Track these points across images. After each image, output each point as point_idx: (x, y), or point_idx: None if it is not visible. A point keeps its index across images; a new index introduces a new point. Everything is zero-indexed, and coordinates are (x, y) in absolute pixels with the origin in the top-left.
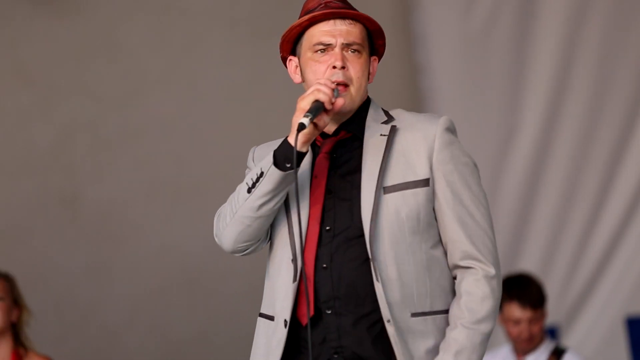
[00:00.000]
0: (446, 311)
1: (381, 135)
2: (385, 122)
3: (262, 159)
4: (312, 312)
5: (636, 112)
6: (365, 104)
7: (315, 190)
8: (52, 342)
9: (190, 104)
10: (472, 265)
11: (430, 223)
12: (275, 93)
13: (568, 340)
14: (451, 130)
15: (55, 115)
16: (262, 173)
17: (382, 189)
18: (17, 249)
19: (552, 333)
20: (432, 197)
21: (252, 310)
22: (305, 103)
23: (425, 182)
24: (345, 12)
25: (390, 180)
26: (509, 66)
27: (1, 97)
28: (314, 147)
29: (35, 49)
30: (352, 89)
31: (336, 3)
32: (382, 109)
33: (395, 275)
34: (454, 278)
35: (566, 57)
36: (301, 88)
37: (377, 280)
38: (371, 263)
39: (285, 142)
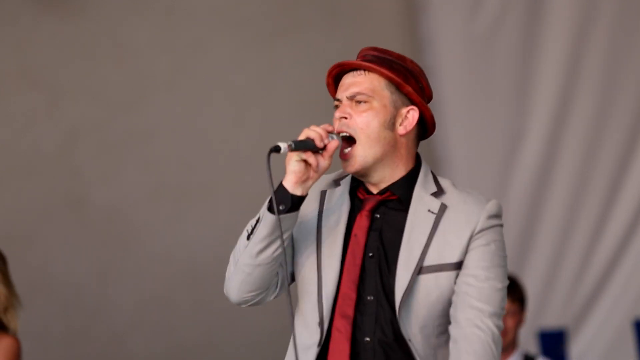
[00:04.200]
0: None
1: (429, 211)
2: (435, 195)
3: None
4: None
5: None
6: (416, 169)
7: (354, 251)
8: (58, 345)
9: (196, 106)
10: (477, 324)
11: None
12: (282, 95)
13: (576, 343)
14: (495, 216)
15: (61, 118)
16: (258, 218)
17: (420, 269)
18: (23, 252)
19: (560, 336)
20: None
21: (258, 315)
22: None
23: (458, 266)
24: (354, 64)
25: (429, 260)
26: (515, 70)
27: (7, 99)
28: (355, 200)
29: (41, 52)
30: (359, 146)
31: (370, 56)
32: (432, 175)
33: (431, 355)
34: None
35: (573, 60)
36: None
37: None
38: (408, 343)
39: (280, 185)
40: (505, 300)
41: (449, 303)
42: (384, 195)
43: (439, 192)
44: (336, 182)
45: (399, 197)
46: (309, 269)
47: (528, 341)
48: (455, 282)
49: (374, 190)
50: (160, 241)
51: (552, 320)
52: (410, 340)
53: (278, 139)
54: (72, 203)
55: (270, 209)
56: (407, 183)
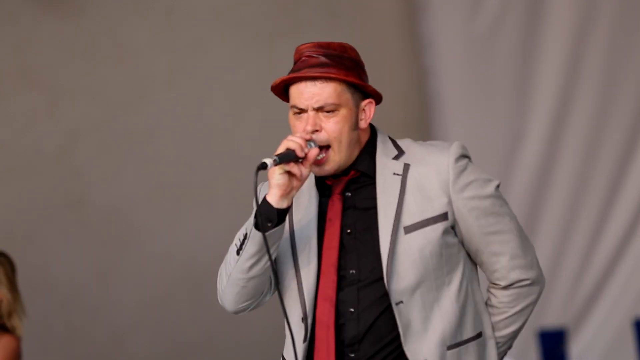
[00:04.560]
0: (475, 337)
1: (394, 174)
2: (396, 158)
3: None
4: None
5: None
6: (373, 139)
7: (330, 234)
8: (58, 344)
9: (196, 106)
10: (518, 281)
11: (451, 253)
12: None
13: (576, 343)
14: (462, 156)
15: (61, 118)
16: (246, 234)
17: (402, 229)
18: (23, 251)
19: (560, 336)
20: (451, 229)
21: (258, 316)
22: (276, 152)
23: (444, 216)
24: (312, 76)
25: (409, 219)
26: (515, 70)
27: (7, 99)
28: (325, 189)
29: (41, 52)
30: (332, 152)
31: (316, 58)
32: (391, 140)
33: (419, 315)
34: (493, 287)
35: (573, 60)
36: None
37: (399, 325)
38: (394, 308)
39: (265, 201)
40: (518, 224)
41: (440, 256)
42: (349, 175)
43: (399, 154)
44: None
45: (363, 171)
46: (288, 266)
47: (528, 341)
48: (442, 233)
49: (339, 173)
50: (160, 241)
51: (552, 320)
52: (401, 302)
53: (278, 139)
54: (72, 203)
55: (257, 226)
56: (368, 155)
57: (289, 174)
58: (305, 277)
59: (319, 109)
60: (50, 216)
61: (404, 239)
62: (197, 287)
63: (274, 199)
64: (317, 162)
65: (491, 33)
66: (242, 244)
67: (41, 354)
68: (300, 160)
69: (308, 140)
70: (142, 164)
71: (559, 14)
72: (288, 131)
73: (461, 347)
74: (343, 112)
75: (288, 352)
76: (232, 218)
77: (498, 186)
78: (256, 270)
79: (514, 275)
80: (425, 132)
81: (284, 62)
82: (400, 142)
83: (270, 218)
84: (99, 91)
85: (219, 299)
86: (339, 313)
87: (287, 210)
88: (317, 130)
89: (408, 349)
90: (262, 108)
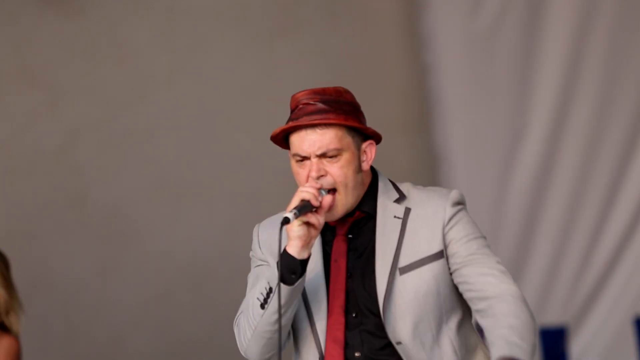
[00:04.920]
0: None
1: (395, 217)
2: (397, 201)
3: (267, 245)
4: None
5: None
6: (375, 180)
7: (337, 276)
8: (58, 343)
9: (197, 104)
10: (497, 295)
11: (450, 293)
12: (283, 92)
13: (577, 341)
14: (460, 203)
15: (61, 116)
16: (270, 288)
17: (397, 271)
18: (23, 249)
19: (561, 334)
20: (446, 268)
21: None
22: (290, 206)
23: (440, 255)
24: (311, 123)
25: (404, 261)
26: (516, 67)
27: (7, 98)
28: (328, 230)
29: (42, 51)
30: (339, 195)
31: (313, 105)
32: (391, 183)
33: (424, 356)
34: (476, 313)
35: (573, 59)
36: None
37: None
38: (396, 347)
39: (285, 253)
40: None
41: (437, 295)
42: (354, 216)
43: (400, 198)
44: None
45: (368, 212)
46: (300, 308)
47: None
48: (438, 272)
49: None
50: (161, 239)
51: (552, 318)
52: (400, 342)
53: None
54: (72, 201)
55: (283, 280)
56: (371, 196)
57: (307, 224)
58: (318, 319)
59: (322, 155)
60: (50, 214)
61: (399, 280)
62: (198, 285)
63: (296, 251)
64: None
65: (491, 32)
66: (267, 297)
67: (41, 352)
68: (315, 209)
69: (319, 189)
70: (143, 162)
71: (559, 13)
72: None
73: None
74: (346, 156)
75: None
76: (233, 216)
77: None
78: (283, 321)
79: (505, 287)
80: (424, 131)
81: (284, 61)
82: (400, 186)
83: (294, 270)
84: (99, 90)
85: (241, 352)
86: (346, 357)
87: (307, 260)
88: (322, 176)
89: None
90: (264, 105)
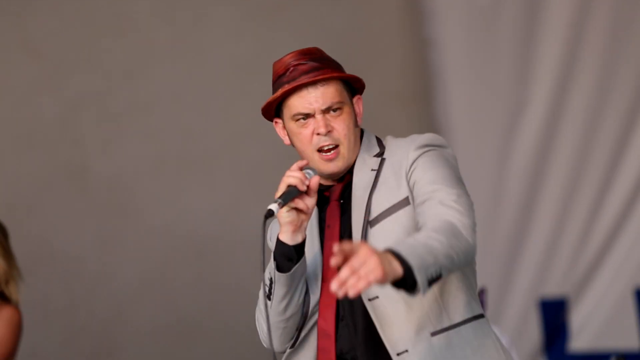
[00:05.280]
0: (467, 320)
1: (372, 170)
2: (377, 155)
3: (274, 235)
4: None
5: None
6: (361, 139)
7: (329, 241)
8: (60, 314)
9: (197, 77)
10: (439, 214)
11: None
12: None
13: (577, 312)
14: (427, 145)
15: (63, 89)
16: (271, 279)
17: (369, 223)
18: (25, 221)
19: (561, 305)
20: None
21: (259, 284)
22: (278, 192)
23: (405, 202)
24: (314, 79)
25: (374, 212)
26: (516, 41)
27: (9, 70)
28: (323, 199)
29: (43, 23)
30: (343, 148)
31: (304, 65)
32: (376, 138)
33: (403, 306)
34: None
35: (576, 31)
36: None
37: (375, 321)
38: (366, 305)
39: (279, 242)
40: (467, 198)
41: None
42: (344, 181)
43: (380, 151)
44: None
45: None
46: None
47: (529, 311)
48: (407, 219)
49: (331, 182)
50: (162, 212)
51: (553, 289)
52: (377, 297)
53: None
54: (73, 173)
55: (280, 268)
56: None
57: (296, 209)
58: (312, 285)
59: (326, 111)
60: (51, 187)
61: (370, 233)
62: (199, 257)
63: (288, 237)
64: (328, 158)
65: (492, 6)
66: (270, 288)
67: (42, 325)
68: (304, 192)
69: (304, 169)
70: (144, 134)
71: None
72: None
73: (450, 332)
74: (346, 109)
75: None
76: (233, 189)
77: (442, 151)
78: (292, 309)
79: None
80: (425, 104)
81: (285, 33)
82: (384, 140)
83: (289, 256)
84: (100, 62)
85: (263, 344)
86: (336, 324)
87: (304, 243)
88: (330, 131)
89: (387, 342)
90: (264, 79)
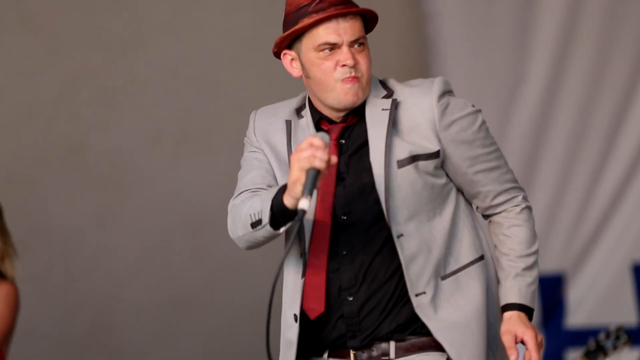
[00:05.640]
0: (475, 261)
1: (383, 109)
2: (386, 97)
3: (264, 133)
4: (322, 309)
5: None
6: None
7: (326, 179)
8: (57, 290)
9: (195, 51)
10: (506, 201)
11: (442, 185)
12: None
13: (574, 288)
14: (445, 93)
15: (60, 64)
16: (260, 220)
17: (395, 163)
18: (22, 197)
19: (558, 281)
20: (441, 167)
21: (258, 259)
22: (298, 168)
23: (436, 154)
24: (348, 10)
25: (400, 154)
26: (515, 14)
27: (6, 45)
28: (320, 129)
29: None
30: (363, 82)
31: None
32: (379, 81)
33: (418, 247)
34: (488, 218)
35: (574, 5)
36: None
37: (401, 258)
38: (395, 242)
39: (281, 202)
40: (501, 154)
41: (432, 188)
42: (346, 122)
43: (388, 93)
44: (298, 113)
45: (359, 117)
46: None
47: None
48: (433, 168)
49: (337, 119)
50: (159, 187)
51: (550, 264)
52: (401, 235)
53: (278, 85)
54: (71, 148)
55: (275, 224)
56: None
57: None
58: (304, 221)
59: (352, 44)
60: (48, 162)
61: (397, 173)
62: (197, 233)
63: (293, 204)
64: (353, 81)
65: None
66: (257, 224)
67: (40, 300)
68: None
69: (320, 134)
70: (142, 110)
71: None
72: (287, 77)
73: (459, 274)
74: (367, 46)
75: (292, 292)
76: (231, 165)
77: (481, 116)
78: (269, 241)
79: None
80: (423, 78)
81: (282, 7)
82: (387, 82)
83: (287, 215)
84: (98, 37)
85: (230, 236)
86: (333, 257)
87: (304, 212)
88: (355, 64)
89: (409, 281)
90: (262, 53)
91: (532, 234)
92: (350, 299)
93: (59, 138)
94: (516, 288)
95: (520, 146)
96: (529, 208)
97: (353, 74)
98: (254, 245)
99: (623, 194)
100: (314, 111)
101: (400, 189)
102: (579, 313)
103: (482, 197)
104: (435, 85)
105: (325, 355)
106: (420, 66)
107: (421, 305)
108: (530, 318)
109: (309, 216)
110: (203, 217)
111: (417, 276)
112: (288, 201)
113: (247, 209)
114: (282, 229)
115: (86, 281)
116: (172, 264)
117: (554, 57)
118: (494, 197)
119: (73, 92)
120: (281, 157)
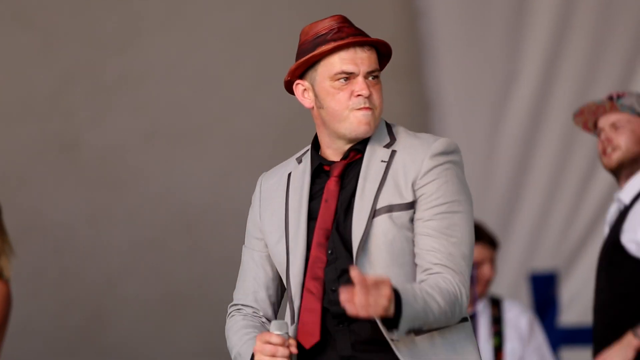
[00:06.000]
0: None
1: (382, 161)
2: (387, 146)
3: (266, 197)
4: (317, 338)
5: (637, 56)
6: None
7: (325, 215)
8: (50, 288)
9: (190, 48)
10: (443, 272)
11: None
12: (276, 37)
13: (567, 286)
14: (444, 153)
15: (55, 60)
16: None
17: (373, 213)
18: (16, 194)
19: (551, 279)
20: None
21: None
22: None
23: (410, 206)
24: (366, 40)
25: (380, 203)
26: (508, 9)
27: (0, 41)
28: (322, 171)
29: None
30: (376, 113)
31: (349, 29)
32: (387, 126)
33: None
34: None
35: (567, 1)
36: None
37: None
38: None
39: None
40: (471, 229)
41: (406, 241)
42: (348, 158)
43: (391, 142)
44: (298, 160)
45: (361, 155)
46: (280, 249)
47: (519, 284)
48: (410, 220)
49: (337, 158)
50: (153, 184)
51: (543, 263)
52: None
53: (273, 82)
54: (65, 145)
55: None
56: (367, 139)
57: None
58: (293, 263)
59: (367, 75)
60: (43, 159)
61: (372, 222)
62: (191, 230)
63: None
64: (366, 111)
65: None
66: None
67: (33, 297)
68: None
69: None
70: (136, 107)
71: None
72: (283, 74)
73: (434, 333)
74: (380, 82)
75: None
76: (226, 162)
77: (466, 195)
78: None
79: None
80: (416, 77)
81: (278, 4)
82: (394, 130)
83: None
84: (92, 34)
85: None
86: (324, 291)
87: None
88: (370, 95)
89: (382, 328)
90: (257, 50)
91: (447, 297)
92: (340, 326)
93: (52, 135)
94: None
95: (513, 143)
96: (456, 292)
97: (368, 105)
98: None
99: (615, 192)
100: (315, 157)
101: (375, 238)
102: (572, 311)
103: (422, 257)
104: (437, 143)
105: None
106: (413, 63)
107: (398, 349)
108: (391, 325)
109: (299, 260)
110: (197, 214)
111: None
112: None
113: (231, 345)
114: None
115: (79, 278)
116: (166, 261)
117: (547, 54)
118: (425, 267)
119: (67, 89)
120: (276, 213)
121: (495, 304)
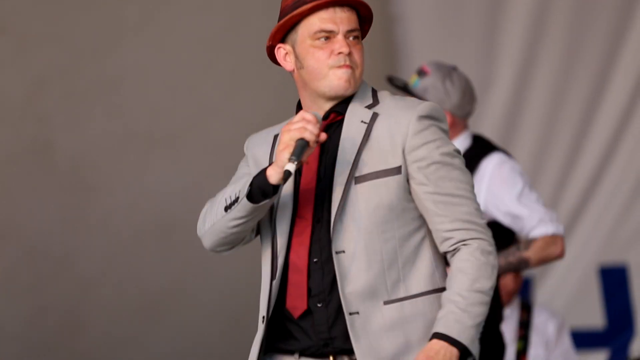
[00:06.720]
0: (425, 293)
1: (362, 122)
2: (369, 107)
3: (255, 155)
4: (305, 306)
5: (613, 59)
6: None
7: (307, 177)
8: (24, 292)
9: (164, 53)
10: (462, 245)
11: (404, 208)
12: (252, 41)
13: (541, 291)
14: (429, 117)
15: (28, 64)
16: (237, 198)
17: (353, 180)
18: None
19: (526, 284)
20: (405, 185)
21: (227, 261)
22: (288, 138)
23: (397, 170)
24: (345, 0)
25: (362, 170)
26: (484, 15)
27: None
28: None
29: None
30: (356, 73)
31: None
32: (372, 90)
33: (365, 266)
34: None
35: (542, 5)
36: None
37: (337, 274)
38: (333, 257)
39: (263, 174)
40: (469, 178)
41: (390, 208)
42: (329, 119)
43: (373, 104)
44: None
45: (342, 116)
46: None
47: None
48: (395, 187)
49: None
50: (128, 189)
51: None
52: (343, 251)
53: (248, 87)
54: (38, 150)
55: (251, 197)
56: (348, 99)
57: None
58: (280, 219)
59: (347, 34)
60: (15, 164)
61: (353, 190)
62: (165, 235)
63: (276, 179)
64: (347, 67)
65: None
66: (232, 204)
67: (7, 302)
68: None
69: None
70: (110, 112)
71: None
72: (257, 80)
73: (404, 302)
74: (360, 41)
75: (263, 293)
76: (200, 167)
77: (457, 152)
78: (240, 229)
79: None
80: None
81: (255, 7)
82: (379, 94)
83: (266, 192)
84: (66, 38)
85: (198, 232)
86: (308, 262)
87: (282, 186)
88: (350, 53)
89: (343, 299)
90: (233, 55)
91: (481, 271)
92: (319, 305)
93: (26, 139)
94: (444, 319)
95: None
96: (486, 251)
97: (347, 62)
98: (220, 242)
99: (589, 199)
100: None
101: (354, 205)
102: None
103: (434, 232)
104: (422, 106)
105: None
106: (389, 68)
107: (353, 325)
108: (462, 358)
109: (287, 216)
110: (171, 219)
111: (352, 295)
112: (272, 172)
113: (224, 195)
114: (260, 204)
115: (54, 283)
116: (140, 266)
117: (521, 59)
118: (446, 233)
119: (41, 93)
120: (261, 166)
121: (525, 309)
